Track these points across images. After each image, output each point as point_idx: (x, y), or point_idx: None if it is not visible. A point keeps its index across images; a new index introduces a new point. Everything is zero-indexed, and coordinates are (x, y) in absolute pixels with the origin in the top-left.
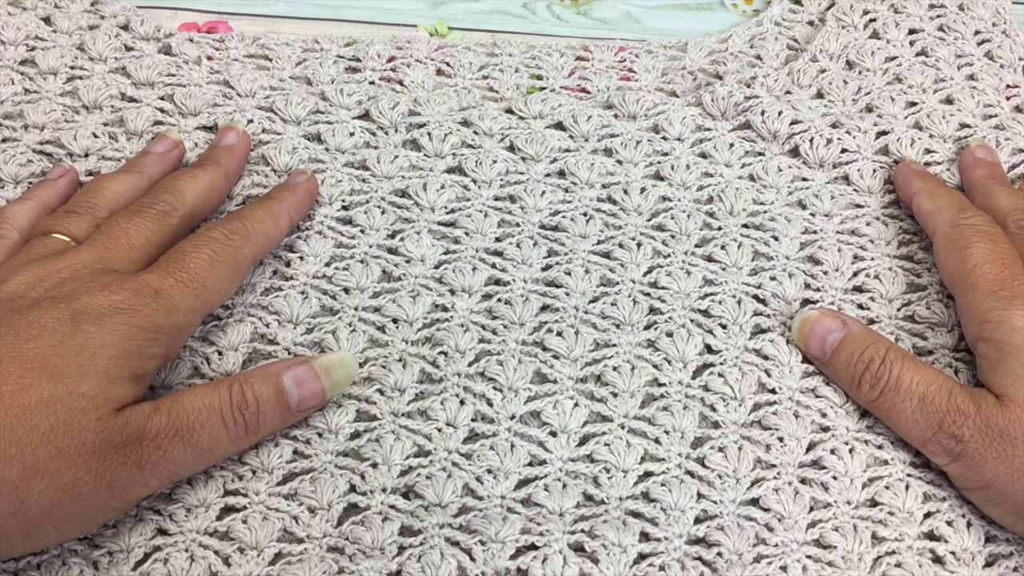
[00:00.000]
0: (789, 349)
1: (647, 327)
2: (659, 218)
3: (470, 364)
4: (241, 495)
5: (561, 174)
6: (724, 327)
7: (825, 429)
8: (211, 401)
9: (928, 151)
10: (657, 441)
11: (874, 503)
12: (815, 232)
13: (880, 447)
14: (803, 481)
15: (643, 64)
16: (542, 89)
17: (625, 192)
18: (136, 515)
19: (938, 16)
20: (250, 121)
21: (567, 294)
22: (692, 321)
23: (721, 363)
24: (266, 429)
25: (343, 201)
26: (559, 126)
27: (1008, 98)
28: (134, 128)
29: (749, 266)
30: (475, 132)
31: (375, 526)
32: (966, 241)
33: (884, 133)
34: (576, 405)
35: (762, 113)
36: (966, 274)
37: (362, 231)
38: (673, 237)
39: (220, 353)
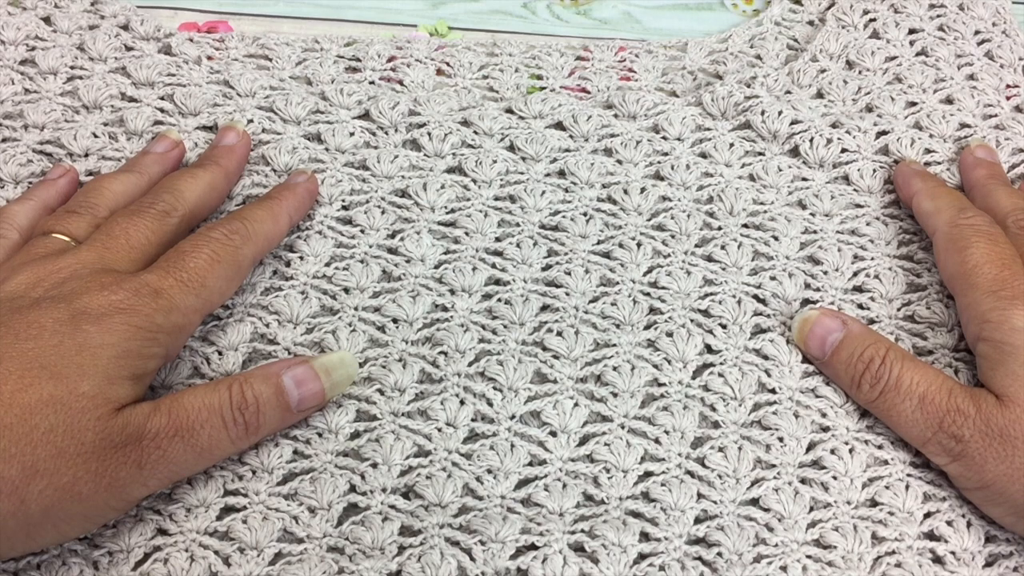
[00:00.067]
0: (789, 349)
1: (647, 327)
2: (659, 218)
3: (470, 364)
4: (241, 495)
5: (561, 174)
6: (724, 327)
7: (825, 429)
8: (211, 401)
9: (928, 151)
10: (657, 441)
11: (874, 503)
12: (815, 232)
13: (880, 447)
14: (803, 481)
15: (643, 64)
16: (542, 89)
17: (625, 192)
18: (136, 515)
19: (938, 16)
20: (250, 121)
21: (567, 294)
22: (692, 321)
23: (721, 363)
24: (266, 429)
25: (343, 201)
26: (559, 126)
27: (1008, 98)
28: (134, 128)
29: (749, 266)
30: (475, 132)
31: (375, 526)
32: (966, 241)
33: (884, 133)
34: (576, 405)
35: (762, 113)
36: (966, 274)
37: (362, 231)
38: (673, 237)
39: (220, 353)
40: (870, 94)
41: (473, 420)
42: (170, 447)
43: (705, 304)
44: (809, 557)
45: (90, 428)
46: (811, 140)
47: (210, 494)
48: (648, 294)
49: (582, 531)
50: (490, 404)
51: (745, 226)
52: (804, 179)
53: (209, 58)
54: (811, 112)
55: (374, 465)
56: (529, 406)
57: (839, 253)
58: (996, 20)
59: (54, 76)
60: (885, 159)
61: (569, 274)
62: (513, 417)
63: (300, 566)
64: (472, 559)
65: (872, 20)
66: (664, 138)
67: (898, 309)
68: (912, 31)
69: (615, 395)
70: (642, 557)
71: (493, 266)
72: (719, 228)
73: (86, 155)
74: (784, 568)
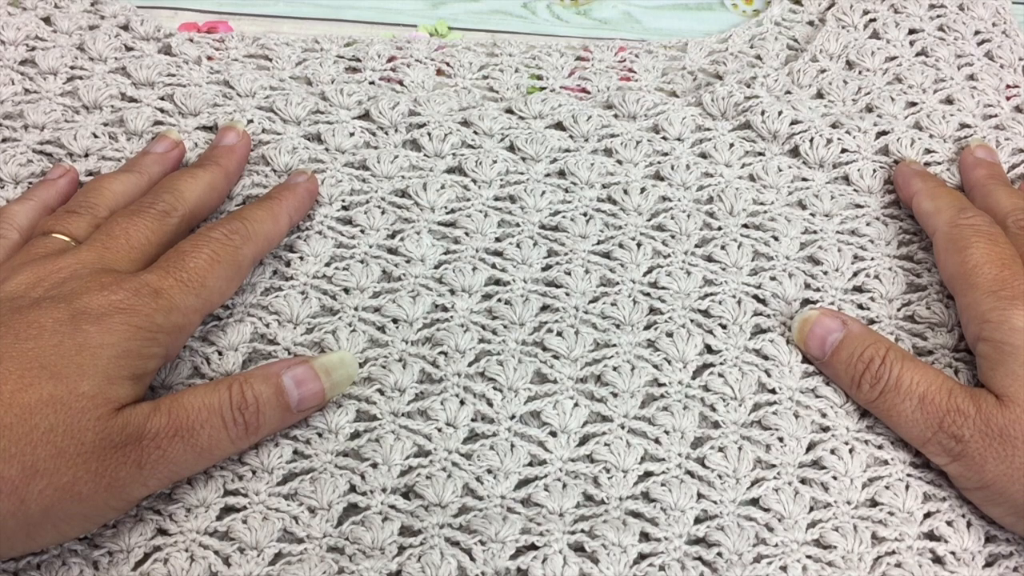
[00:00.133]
0: (789, 349)
1: (647, 327)
2: (659, 218)
3: (470, 364)
4: (241, 495)
5: (561, 174)
6: (724, 327)
7: (825, 429)
8: (211, 401)
9: (928, 151)
10: (657, 441)
11: (874, 503)
12: (815, 232)
13: (880, 447)
14: (803, 481)
15: (643, 64)
16: (542, 89)
17: (625, 192)
18: (136, 515)
19: (938, 16)
20: (250, 121)
21: (567, 294)
22: (692, 321)
23: (721, 363)
24: (266, 429)
25: (343, 201)
26: (559, 126)
27: (1008, 98)
28: (134, 128)
29: (749, 266)
30: (475, 132)
31: (375, 526)
32: (966, 241)
33: (884, 133)
34: (576, 405)
35: (762, 113)
36: (966, 274)
37: (362, 231)
38: (673, 237)
39: (220, 353)
40: (870, 94)
41: (473, 420)
42: (170, 447)
43: (705, 304)
44: (809, 557)
45: (90, 428)
46: (811, 140)
47: (210, 494)
48: (648, 294)
49: (582, 531)
50: (490, 404)
51: (745, 226)
52: (804, 179)
53: (209, 58)
54: (811, 112)
55: (374, 465)
56: (529, 406)
57: (839, 253)
58: (996, 20)
59: (54, 76)
60: (885, 159)
61: (569, 274)
62: (513, 417)
63: (300, 566)
64: (472, 559)
65: (872, 20)
66: (664, 138)
67: (898, 309)
68: (912, 31)
69: (615, 395)
70: (642, 557)
71: (493, 266)
72: (719, 228)
73: (86, 155)
74: (784, 568)
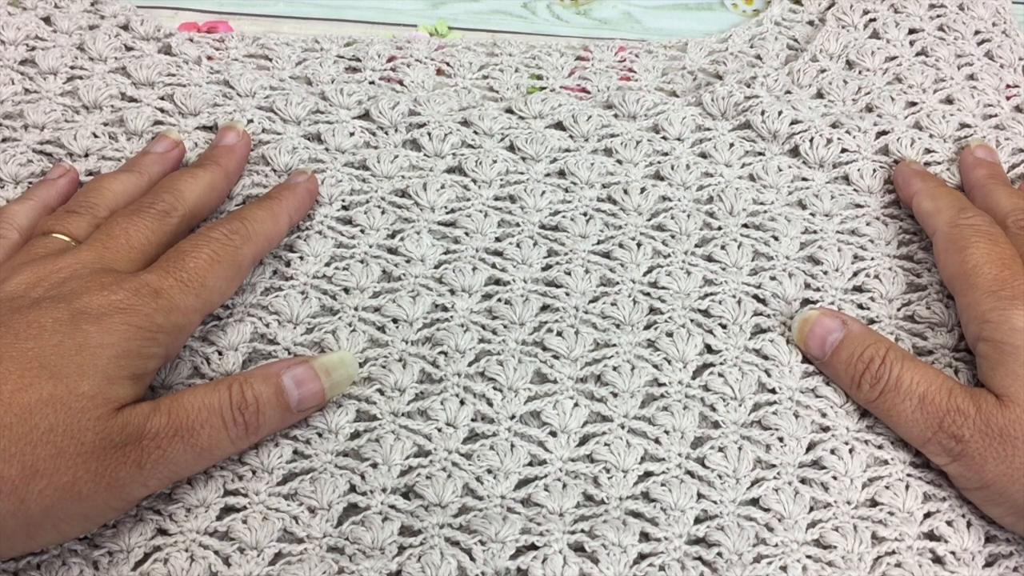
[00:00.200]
0: (789, 349)
1: (647, 327)
2: (659, 218)
3: (470, 364)
4: (241, 495)
5: (561, 174)
6: (724, 327)
7: (825, 429)
8: (211, 401)
9: (928, 151)
10: (657, 441)
11: (874, 503)
12: (815, 232)
13: (880, 447)
14: (803, 481)
15: (643, 64)
16: (542, 89)
17: (625, 192)
18: (136, 515)
19: (938, 16)
20: (250, 121)
21: (567, 294)
22: (692, 321)
23: (721, 363)
24: (266, 429)
25: (343, 201)
26: (559, 126)
27: (1008, 98)
28: (134, 128)
29: (749, 266)
30: (475, 132)
31: (375, 526)
32: (966, 241)
33: (884, 133)
34: (576, 405)
35: (762, 113)
36: (966, 274)
37: (362, 231)
38: (673, 237)
39: (220, 353)
40: (870, 94)
41: (473, 420)
42: (170, 447)
43: (705, 304)
44: (809, 557)
45: (90, 428)
46: (811, 140)
47: (210, 494)
48: (648, 294)
49: (582, 531)
50: (490, 404)
51: (745, 226)
52: (804, 179)
53: (209, 58)
54: (811, 112)
55: (374, 465)
56: (529, 406)
57: (839, 253)
58: (996, 20)
59: (54, 76)
60: (885, 159)
61: (569, 274)
62: (513, 417)
63: (300, 566)
64: (472, 559)
65: (872, 20)
66: (664, 138)
67: (898, 309)
68: (912, 31)
69: (615, 395)
70: (642, 557)
71: (493, 266)
72: (719, 228)
73: (86, 155)
74: (784, 568)
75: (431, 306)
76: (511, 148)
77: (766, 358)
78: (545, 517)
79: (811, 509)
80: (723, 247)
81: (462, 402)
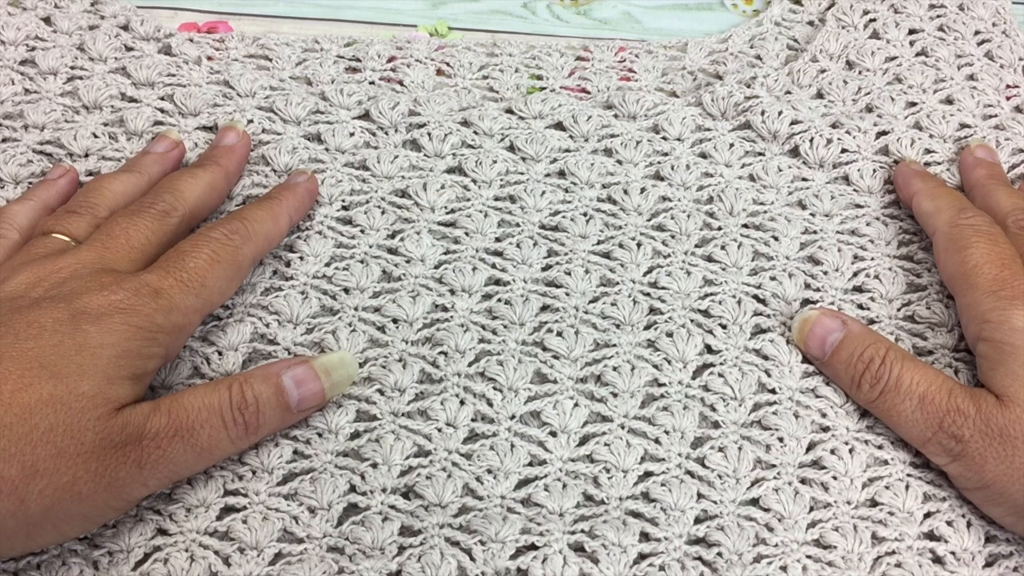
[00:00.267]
0: (789, 349)
1: (647, 327)
2: (659, 218)
3: (470, 364)
4: (241, 495)
5: (561, 174)
6: (724, 327)
7: (825, 429)
8: (211, 401)
9: (928, 151)
10: (657, 441)
11: (874, 503)
12: (815, 232)
13: (880, 447)
14: (803, 481)
15: (643, 64)
16: (542, 89)
17: (625, 192)
18: (136, 515)
19: (938, 16)
20: (250, 121)
21: (567, 294)
22: (692, 321)
23: (721, 363)
24: (266, 429)
25: (343, 201)
26: (559, 126)
27: (1008, 98)
28: (134, 128)
29: (749, 266)
30: (475, 132)
31: (375, 526)
32: (966, 241)
33: (884, 133)
34: (576, 405)
35: (762, 113)
36: (966, 274)
37: (362, 231)
38: (673, 237)
39: (220, 353)
40: (870, 94)
41: (473, 420)
42: (170, 447)
43: (705, 304)
44: (809, 557)
45: (90, 428)
46: (811, 140)
47: (210, 494)
48: (648, 294)
49: (582, 531)
50: (490, 404)
51: (745, 226)
52: (804, 179)
53: (209, 58)
54: (811, 112)
55: (374, 465)
56: (529, 406)
57: (839, 253)
58: (996, 20)
59: (54, 76)
60: (885, 159)
61: (569, 274)
62: (513, 417)
63: (300, 566)
64: (472, 559)
65: (872, 20)
66: (664, 138)
67: (898, 309)
68: (912, 31)
69: (615, 395)
70: (642, 557)
71: (493, 266)
72: (719, 228)
73: (86, 155)
74: (784, 568)
75: (431, 306)
76: (511, 148)
77: (766, 358)
78: (545, 517)
79: (811, 509)
80: (723, 247)
81: (462, 402)
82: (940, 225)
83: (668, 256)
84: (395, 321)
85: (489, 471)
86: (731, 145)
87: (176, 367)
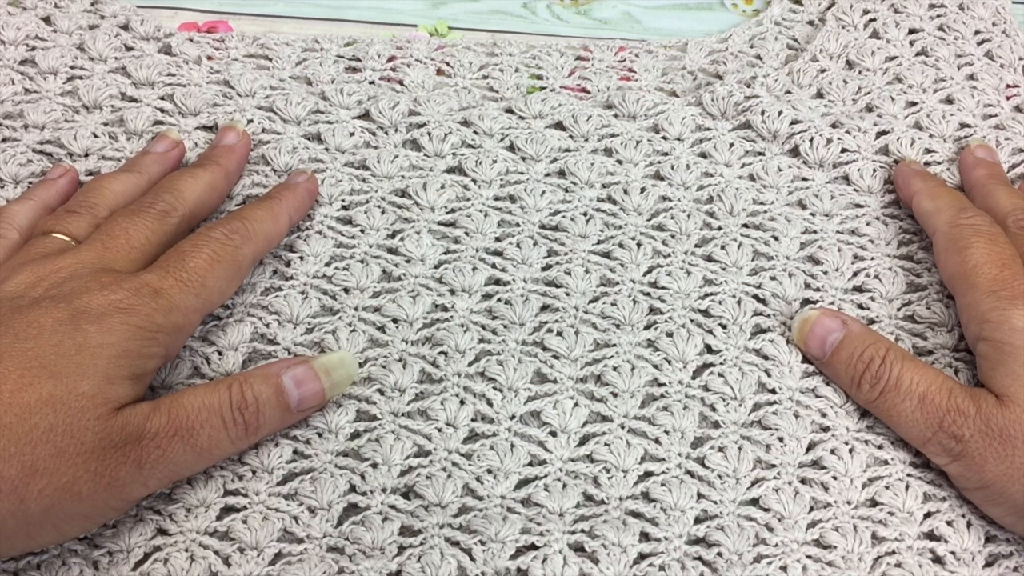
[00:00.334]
0: (789, 349)
1: (647, 327)
2: (659, 218)
3: (470, 364)
4: (241, 495)
5: (561, 174)
6: (724, 327)
7: (825, 429)
8: (211, 401)
9: (928, 151)
10: (657, 441)
11: (874, 503)
12: (815, 232)
13: (880, 447)
14: (803, 481)
15: (643, 64)
16: (542, 89)
17: (625, 192)
18: (136, 515)
19: (938, 16)
20: (250, 121)
21: (567, 294)
22: (692, 321)
23: (721, 363)
24: (266, 429)
25: (343, 201)
26: (559, 126)
27: (1008, 98)
28: (134, 128)
29: (749, 266)
30: (475, 132)
31: (375, 526)
32: (966, 241)
33: (884, 133)
34: (576, 405)
35: (762, 113)
36: (966, 274)
37: (362, 231)
38: (673, 237)
39: (220, 353)
40: (870, 94)
41: (473, 420)
42: (170, 447)
43: (705, 304)
44: (809, 557)
45: (90, 428)
46: (811, 140)
47: (210, 494)
48: (648, 294)
49: (582, 531)
50: (490, 404)
51: (745, 226)
52: (804, 179)
53: (209, 58)
54: (811, 112)
55: (374, 465)
56: (529, 406)
57: (839, 253)
58: (996, 20)
59: (54, 76)
60: (885, 159)
61: (569, 274)
62: (513, 417)
63: (300, 566)
64: (472, 559)
65: (872, 20)
66: (664, 138)
67: (898, 309)
68: (912, 31)
69: (615, 395)
70: (642, 557)
71: (493, 266)
72: (719, 228)
73: (86, 155)
74: (784, 568)
75: (431, 306)
76: (511, 148)
77: (766, 358)
78: (545, 517)
79: (811, 509)
80: (723, 247)
81: (462, 402)
82: (940, 225)
83: (668, 256)
84: (395, 321)
85: (489, 471)
86: (731, 145)
87: (176, 367)
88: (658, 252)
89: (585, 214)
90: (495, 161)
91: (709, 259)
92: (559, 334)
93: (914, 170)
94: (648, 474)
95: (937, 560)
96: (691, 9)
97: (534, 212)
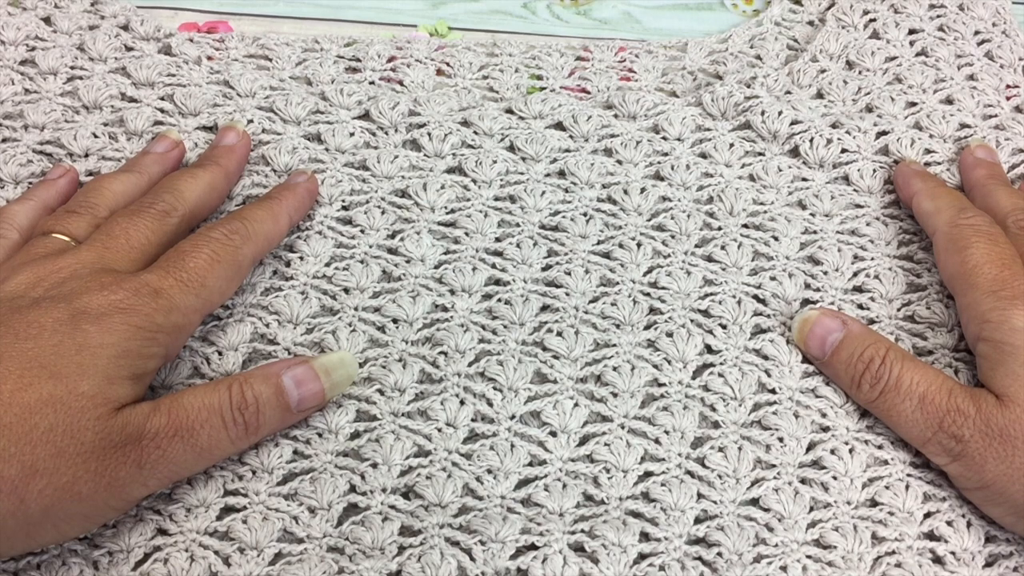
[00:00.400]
0: (789, 349)
1: (647, 327)
2: (659, 218)
3: (470, 364)
4: (241, 495)
5: (561, 174)
6: (724, 327)
7: (825, 429)
8: (211, 401)
9: (928, 151)
10: (657, 441)
11: (874, 503)
12: (815, 232)
13: (880, 447)
14: (803, 481)
15: (643, 64)
16: (542, 89)
17: (625, 192)
18: (136, 515)
19: (938, 16)
20: (250, 121)
21: (567, 294)
22: (692, 321)
23: (721, 363)
24: (266, 429)
25: (343, 201)
26: (559, 126)
27: (1008, 98)
28: (134, 128)
29: (749, 266)
30: (475, 132)
31: (375, 526)
32: (966, 241)
33: (884, 133)
34: (576, 405)
35: (762, 113)
36: (966, 274)
37: (362, 231)
38: (673, 237)
39: (220, 353)
40: (870, 94)
41: (473, 420)
42: (170, 447)
43: (705, 304)
44: (809, 557)
45: (90, 428)
46: (811, 140)
47: (210, 494)
48: (648, 294)
49: (582, 531)
50: (490, 404)
51: (745, 226)
52: (804, 179)
53: (209, 58)
54: (811, 112)
55: (374, 465)
56: (529, 406)
57: (839, 253)
58: (996, 20)
59: (54, 76)
60: (885, 159)
61: (569, 274)
62: (513, 417)
63: (300, 566)
64: (472, 559)
65: (872, 20)
66: (664, 138)
67: (898, 309)
68: (912, 31)
69: (615, 395)
70: (642, 557)
71: (493, 266)
72: (719, 228)
73: (86, 155)
74: (784, 568)
75: (431, 306)
76: (511, 148)
77: (766, 358)
78: (545, 517)
79: (811, 509)
80: (723, 247)
81: (462, 402)
82: (940, 225)
83: (668, 256)
84: (395, 321)
85: (489, 471)
86: (731, 145)
87: (176, 367)
88: (658, 252)
89: (585, 214)
90: (495, 161)
91: (709, 259)
92: (559, 334)
93: (914, 170)
94: (648, 474)
95: (937, 560)
96: (691, 9)
97: (534, 212)
